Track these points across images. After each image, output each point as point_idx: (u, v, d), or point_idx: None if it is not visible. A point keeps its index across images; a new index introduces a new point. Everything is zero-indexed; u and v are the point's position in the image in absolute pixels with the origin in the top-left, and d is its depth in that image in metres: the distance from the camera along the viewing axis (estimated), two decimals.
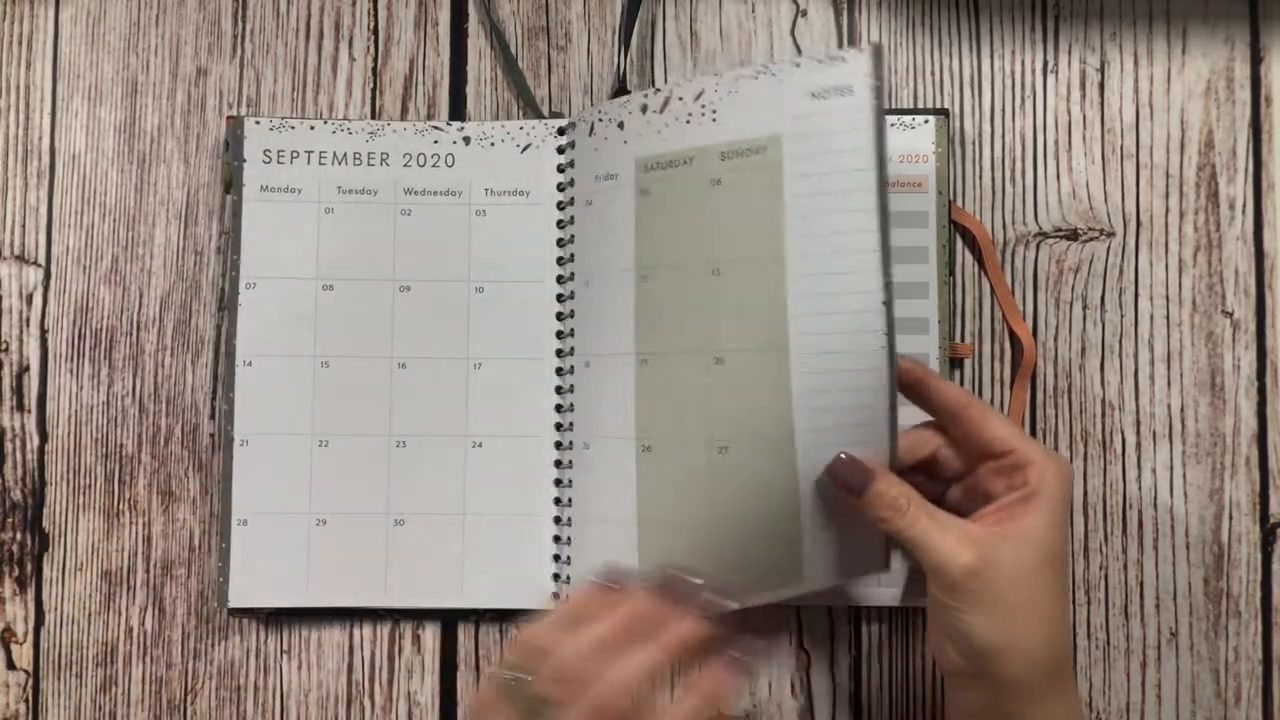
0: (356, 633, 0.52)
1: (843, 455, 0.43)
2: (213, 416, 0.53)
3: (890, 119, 0.52)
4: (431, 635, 0.52)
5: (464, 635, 0.52)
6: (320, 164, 0.52)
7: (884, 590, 0.51)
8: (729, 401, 0.45)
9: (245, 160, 0.52)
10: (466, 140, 0.52)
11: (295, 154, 0.52)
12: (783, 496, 0.44)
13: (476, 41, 0.54)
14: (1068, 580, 0.41)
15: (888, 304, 0.42)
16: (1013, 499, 0.42)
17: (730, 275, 0.45)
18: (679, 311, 0.47)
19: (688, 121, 0.47)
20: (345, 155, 0.52)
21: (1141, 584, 0.52)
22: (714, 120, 0.46)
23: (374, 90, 0.54)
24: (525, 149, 0.52)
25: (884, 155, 0.42)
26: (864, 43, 0.54)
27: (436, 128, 0.52)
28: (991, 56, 0.54)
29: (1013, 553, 0.40)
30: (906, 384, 0.44)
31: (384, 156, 0.52)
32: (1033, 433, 0.52)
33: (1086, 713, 0.52)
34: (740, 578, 0.45)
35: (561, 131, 0.52)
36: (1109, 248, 0.53)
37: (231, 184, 0.52)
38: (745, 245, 0.45)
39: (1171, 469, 0.52)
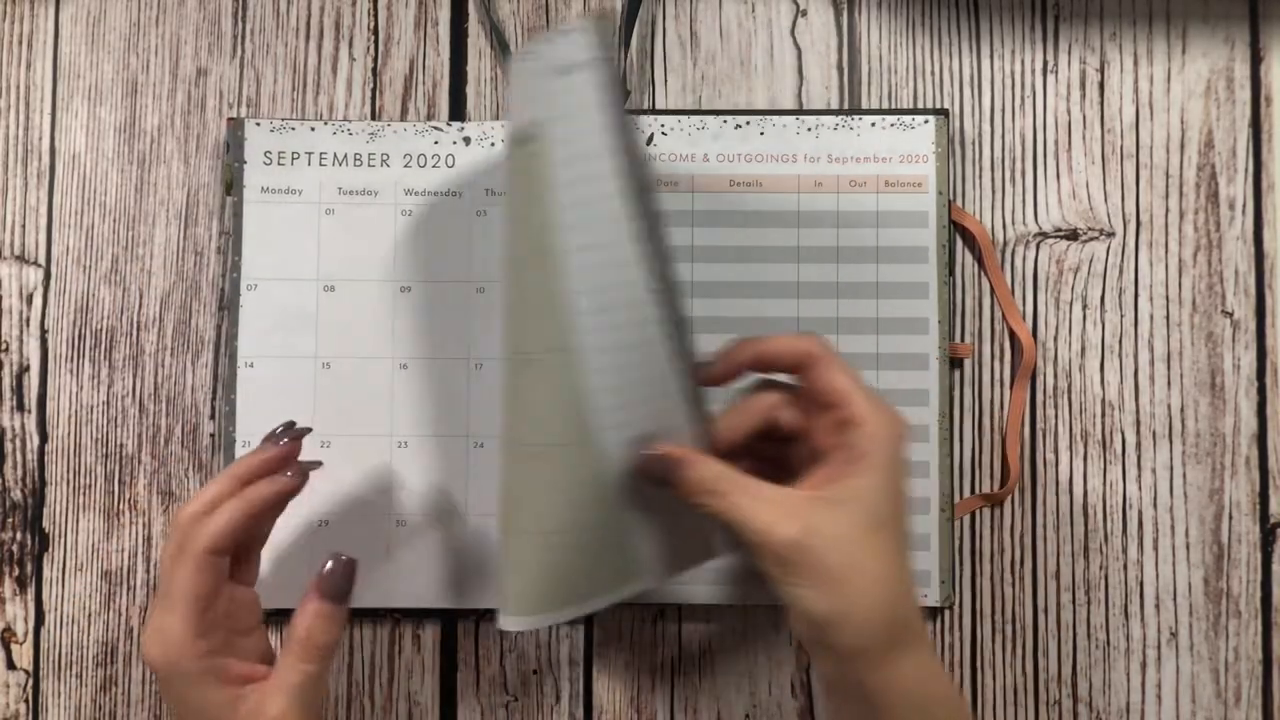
0: (356, 633, 0.52)
1: (643, 452, 0.41)
2: (213, 416, 0.53)
3: (890, 119, 0.52)
4: (431, 635, 0.52)
5: (464, 635, 0.52)
6: (321, 165, 0.52)
7: None
8: (531, 405, 0.42)
9: (246, 162, 0.52)
10: (467, 140, 0.52)
11: (295, 155, 0.52)
12: (599, 498, 0.42)
13: (476, 41, 0.54)
14: (904, 540, 0.39)
15: (659, 290, 0.40)
16: (839, 460, 0.40)
17: (520, 273, 0.43)
18: (504, 313, 0.44)
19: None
20: (345, 156, 0.52)
21: (1141, 584, 0.52)
22: (508, 111, 0.43)
23: (374, 90, 0.54)
24: None
25: (628, 134, 0.40)
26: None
27: (436, 128, 0.52)
28: (991, 56, 0.54)
29: (835, 519, 0.38)
30: (749, 365, 0.43)
31: (384, 157, 0.52)
32: (1033, 433, 0.52)
33: (1085, 712, 0.52)
34: (585, 582, 0.43)
35: None
36: (1109, 248, 0.53)
37: (232, 185, 0.52)
38: (529, 240, 0.42)
39: (1171, 469, 0.52)
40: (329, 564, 0.43)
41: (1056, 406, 0.53)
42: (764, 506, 0.39)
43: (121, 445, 0.53)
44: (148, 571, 0.52)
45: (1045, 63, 0.54)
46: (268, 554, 0.51)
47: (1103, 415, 0.52)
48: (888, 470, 0.39)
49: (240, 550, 0.44)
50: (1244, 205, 0.53)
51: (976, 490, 0.52)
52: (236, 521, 0.42)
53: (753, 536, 0.39)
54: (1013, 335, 0.53)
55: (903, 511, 0.40)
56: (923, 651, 0.40)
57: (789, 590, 0.38)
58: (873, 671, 0.39)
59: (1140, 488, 0.52)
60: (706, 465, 0.40)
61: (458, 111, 0.54)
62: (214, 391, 0.53)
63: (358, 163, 0.52)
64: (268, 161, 0.52)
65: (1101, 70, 0.54)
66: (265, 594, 0.51)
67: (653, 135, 0.52)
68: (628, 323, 0.41)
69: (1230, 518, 0.52)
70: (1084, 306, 0.53)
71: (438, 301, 0.52)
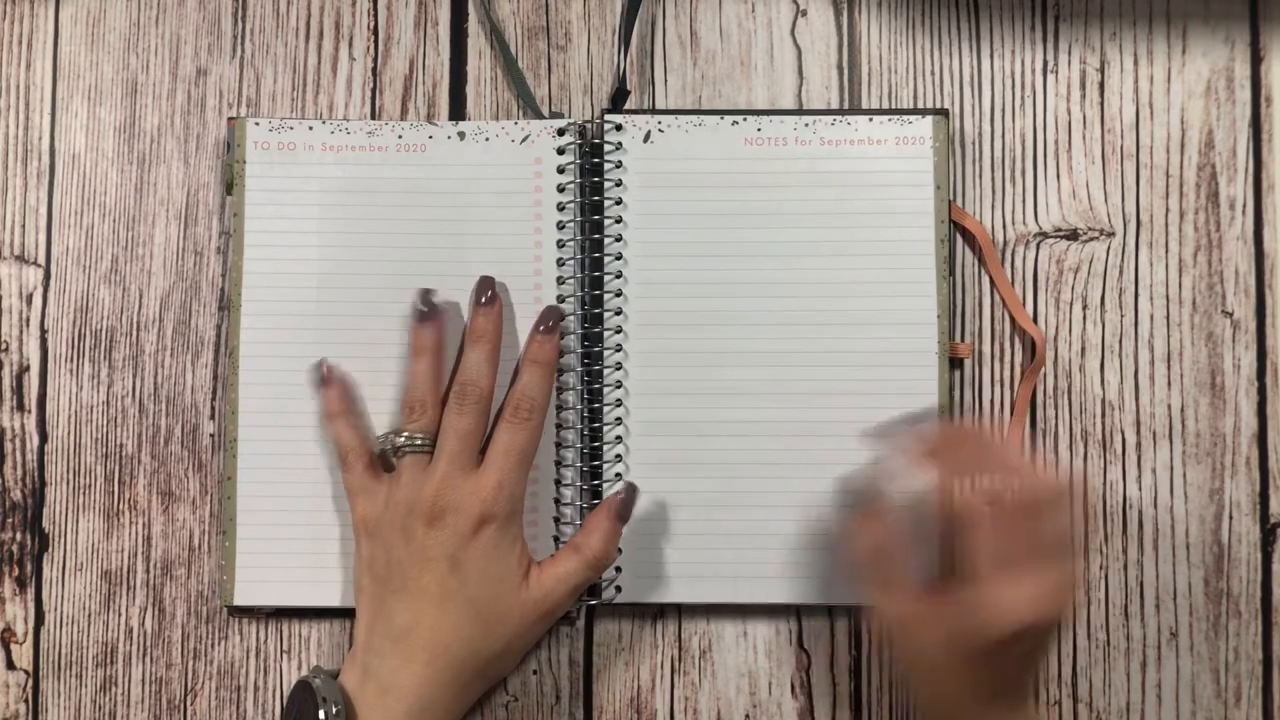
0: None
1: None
2: (213, 416, 0.53)
3: (890, 118, 0.52)
4: None
5: None
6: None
7: None
8: None
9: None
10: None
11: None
12: None
13: (476, 41, 0.54)
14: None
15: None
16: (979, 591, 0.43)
17: None
18: None
19: None
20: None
21: (1141, 584, 0.52)
22: None
23: (374, 90, 0.54)
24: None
25: None
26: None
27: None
28: (991, 56, 0.54)
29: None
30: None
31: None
32: (1033, 433, 0.52)
33: (1085, 712, 0.52)
34: None
35: (561, 132, 0.52)
36: (1109, 248, 0.53)
37: (233, 184, 0.52)
38: None
39: (1171, 469, 0.52)
40: (622, 492, 0.49)
41: (1057, 406, 0.52)
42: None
43: (121, 445, 0.53)
44: (147, 571, 0.52)
45: (1045, 63, 0.54)
46: (270, 553, 0.51)
47: (1103, 415, 0.52)
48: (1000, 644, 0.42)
49: None
50: (1244, 205, 0.53)
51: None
52: (552, 381, 0.50)
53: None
54: (1013, 335, 0.53)
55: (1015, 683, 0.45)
56: None
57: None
58: None
59: (1140, 488, 0.52)
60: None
61: (457, 111, 0.54)
62: (214, 391, 0.53)
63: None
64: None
65: (1101, 70, 0.54)
66: (266, 593, 0.51)
67: (650, 133, 0.52)
68: None
69: (1230, 518, 0.52)
70: (1084, 306, 0.53)
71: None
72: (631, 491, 0.50)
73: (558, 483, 0.51)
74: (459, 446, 0.47)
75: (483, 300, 0.49)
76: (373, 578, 0.47)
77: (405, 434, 0.48)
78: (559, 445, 0.51)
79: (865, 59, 0.54)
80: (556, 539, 0.51)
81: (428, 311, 0.50)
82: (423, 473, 0.47)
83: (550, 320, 0.50)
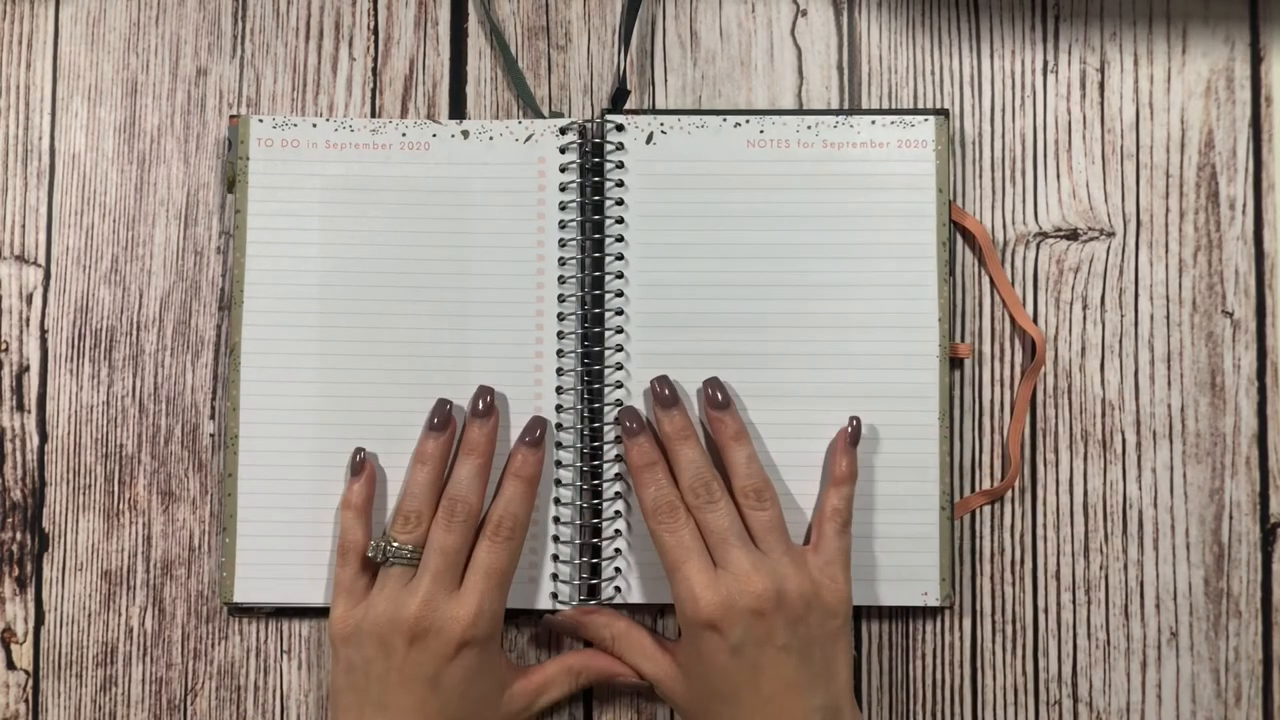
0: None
1: (549, 618, 0.51)
2: (213, 416, 0.53)
3: (890, 119, 0.52)
4: None
5: None
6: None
7: (884, 590, 0.51)
8: None
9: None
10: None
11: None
12: None
13: (476, 41, 0.54)
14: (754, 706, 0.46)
15: None
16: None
17: None
18: None
19: None
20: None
21: (1141, 584, 0.52)
22: None
23: (374, 90, 0.54)
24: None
25: None
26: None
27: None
28: (991, 56, 0.54)
29: (686, 687, 0.48)
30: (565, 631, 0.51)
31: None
32: (1033, 433, 0.52)
33: (1085, 712, 0.52)
34: None
35: (564, 131, 0.52)
36: (1109, 248, 0.53)
37: (235, 182, 0.52)
38: None
39: (1171, 469, 0.52)
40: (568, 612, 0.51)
41: (1057, 406, 0.53)
42: (648, 664, 0.49)
43: (121, 445, 0.53)
44: (147, 571, 0.52)
45: (1045, 63, 0.54)
46: (270, 552, 0.51)
47: (1103, 415, 0.52)
48: (698, 648, 0.46)
49: None
50: (1244, 205, 0.53)
51: (976, 490, 0.52)
52: (533, 499, 0.50)
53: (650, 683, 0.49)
54: (1013, 335, 0.53)
55: (748, 682, 0.45)
56: None
57: None
58: None
59: (1140, 488, 0.52)
60: (606, 626, 0.50)
61: (458, 111, 0.54)
62: (214, 391, 0.53)
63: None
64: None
65: (1101, 70, 0.54)
66: (267, 592, 0.51)
67: (652, 134, 0.52)
68: None
69: (1230, 518, 0.52)
70: (1084, 306, 0.53)
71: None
72: (582, 613, 0.51)
73: (557, 482, 0.51)
74: (443, 564, 0.47)
75: (479, 409, 0.49)
76: (352, 689, 0.47)
77: (395, 543, 0.48)
78: (559, 445, 0.51)
79: (865, 59, 0.54)
80: (555, 538, 0.51)
81: (438, 424, 0.49)
82: (405, 588, 0.47)
83: (535, 432, 0.50)
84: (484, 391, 0.50)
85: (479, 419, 0.49)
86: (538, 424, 0.50)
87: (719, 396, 0.49)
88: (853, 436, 0.50)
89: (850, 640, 0.48)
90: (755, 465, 0.49)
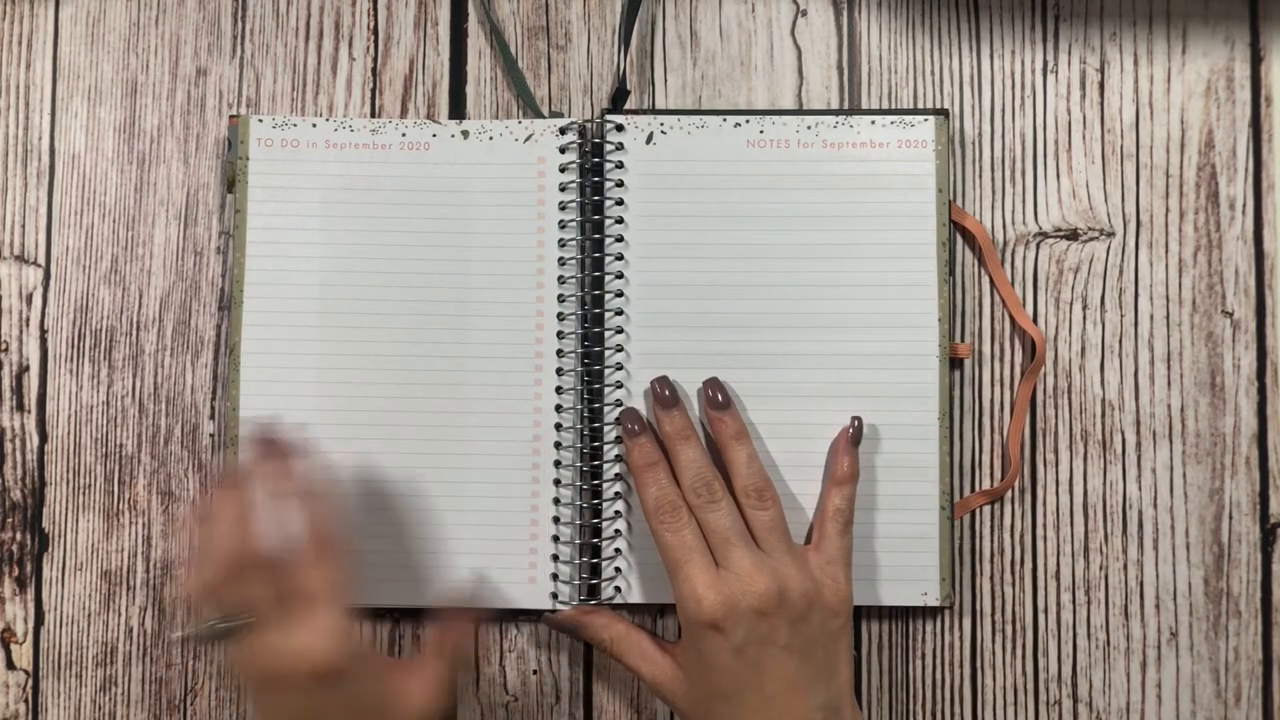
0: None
1: (549, 616, 0.51)
2: (213, 416, 0.53)
3: (890, 119, 0.52)
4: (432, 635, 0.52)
5: None
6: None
7: (884, 590, 0.51)
8: None
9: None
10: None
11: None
12: None
13: (476, 41, 0.54)
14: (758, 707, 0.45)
15: None
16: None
17: None
18: None
19: None
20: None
21: (1141, 584, 0.52)
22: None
23: (374, 90, 0.54)
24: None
25: None
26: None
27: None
28: (991, 56, 0.54)
29: (687, 689, 0.48)
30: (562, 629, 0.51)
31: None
32: (1033, 433, 0.52)
33: (1085, 712, 0.52)
34: None
35: (564, 131, 0.52)
36: (1109, 248, 0.53)
37: (234, 182, 0.52)
38: None
39: (1171, 469, 0.52)
40: (470, 594, 0.51)
41: (1057, 406, 0.53)
42: (647, 667, 0.48)
43: (121, 445, 0.53)
44: (147, 571, 0.52)
45: (1045, 63, 0.54)
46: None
47: (1103, 415, 0.52)
48: (700, 649, 0.46)
49: None
50: (1244, 205, 0.53)
51: (976, 490, 0.52)
52: (322, 510, 0.46)
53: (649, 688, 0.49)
54: (1013, 335, 0.53)
55: (750, 682, 0.45)
56: None
57: None
58: None
59: (1140, 488, 0.52)
60: (605, 628, 0.50)
61: (457, 111, 0.54)
62: (214, 391, 0.53)
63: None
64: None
65: (1101, 70, 0.54)
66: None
67: (652, 134, 0.52)
68: None
69: (1230, 518, 0.52)
70: (1084, 306, 0.53)
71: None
72: (469, 608, 0.51)
73: (557, 483, 0.51)
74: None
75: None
76: None
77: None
78: (558, 445, 0.51)
79: (865, 59, 0.54)
80: (555, 538, 0.51)
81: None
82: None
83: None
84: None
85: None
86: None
87: (719, 397, 0.49)
88: (854, 437, 0.50)
89: (851, 639, 0.48)
90: (756, 465, 0.49)
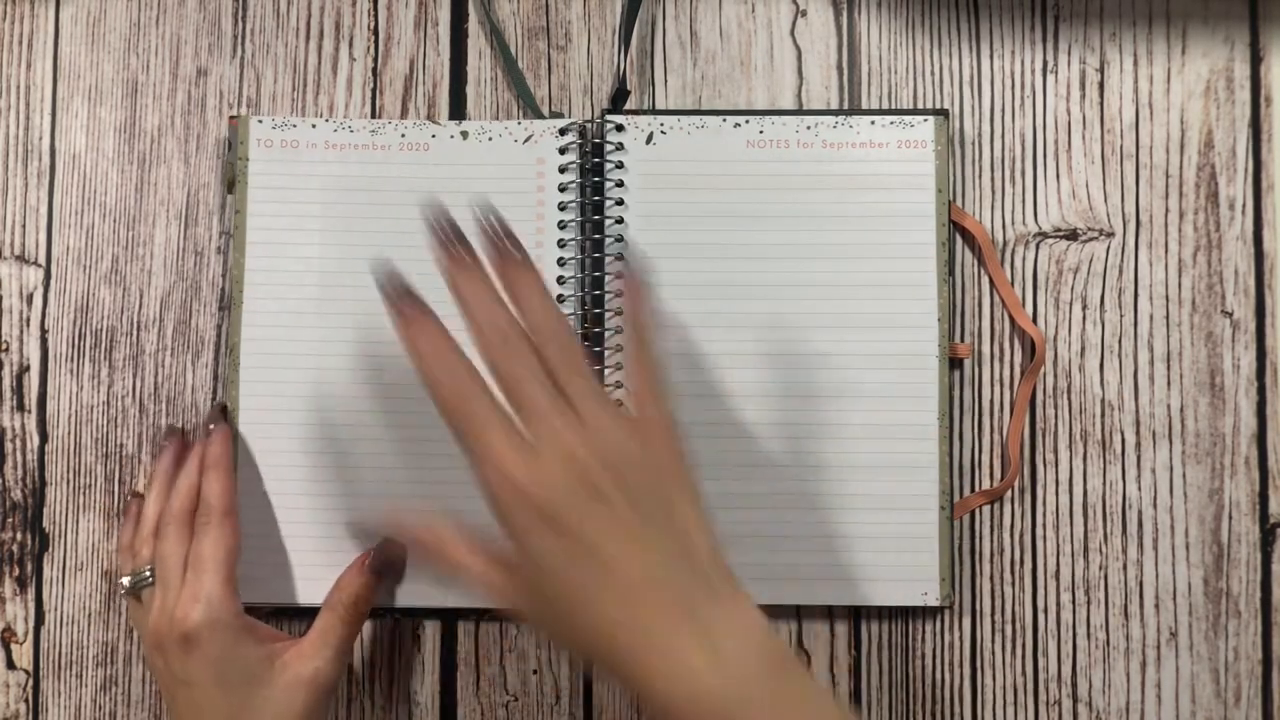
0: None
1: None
2: None
3: (890, 119, 0.52)
4: (431, 635, 0.52)
5: (464, 635, 0.52)
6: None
7: (884, 590, 0.51)
8: None
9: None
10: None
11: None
12: None
13: (476, 41, 0.54)
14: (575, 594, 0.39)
15: None
16: None
17: None
18: None
19: None
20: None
21: (1141, 584, 0.52)
22: None
23: (374, 90, 0.54)
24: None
25: None
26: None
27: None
28: (991, 56, 0.54)
29: (516, 590, 0.42)
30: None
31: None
32: (1033, 433, 0.52)
33: (1085, 712, 0.52)
34: None
35: (563, 132, 0.52)
36: (1109, 248, 0.53)
37: (234, 183, 0.52)
38: None
39: (1171, 469, 0.52)
40: (382, 544, 0.50)
41: (1056, 406, 0.53)
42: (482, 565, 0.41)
43: (121, 445, 0.53)
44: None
45: (1045, 63, 0.54)
46: (270, 552, 0.51)
47: (1103, 415, 0.52)
48: (514, 535, 0.40)
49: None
50: (1244, 205, 0.53)
51: (976, 490, 0.52)
52: (229, 481, 0.48)
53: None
54: (1013, 335, 0.53)
55: (561, 565, 0.39)
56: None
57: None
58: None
59: (1140, 488, 0.52)
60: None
61: (458, 111, 0.54)
62: (214, 391, 0.53)
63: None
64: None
65: (1101, 70, 0.54)
66: (267, 592, 0.51)
67: (652, 134, 0.52)
68: None
69: (1230, 518, 0.52)
70: (1084, 306, 0.53)
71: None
72: (385, 548, 0.50)
73: None
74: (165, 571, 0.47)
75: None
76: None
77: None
78: None
79: (865, 59, 0.54)
80: None
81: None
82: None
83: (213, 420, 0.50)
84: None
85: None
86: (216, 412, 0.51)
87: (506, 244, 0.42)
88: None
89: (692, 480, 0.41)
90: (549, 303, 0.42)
